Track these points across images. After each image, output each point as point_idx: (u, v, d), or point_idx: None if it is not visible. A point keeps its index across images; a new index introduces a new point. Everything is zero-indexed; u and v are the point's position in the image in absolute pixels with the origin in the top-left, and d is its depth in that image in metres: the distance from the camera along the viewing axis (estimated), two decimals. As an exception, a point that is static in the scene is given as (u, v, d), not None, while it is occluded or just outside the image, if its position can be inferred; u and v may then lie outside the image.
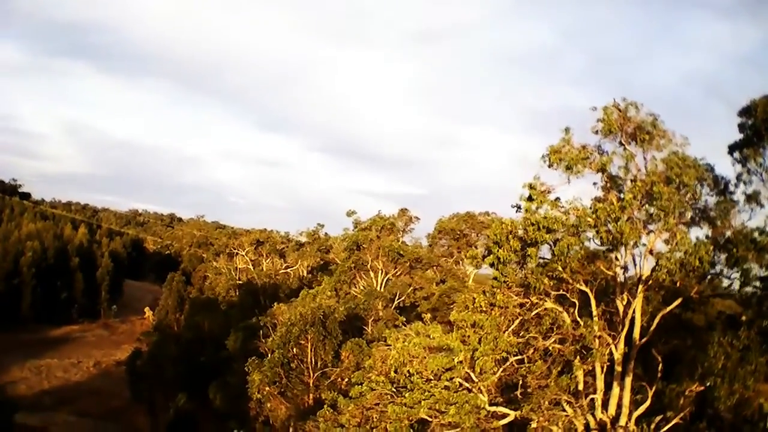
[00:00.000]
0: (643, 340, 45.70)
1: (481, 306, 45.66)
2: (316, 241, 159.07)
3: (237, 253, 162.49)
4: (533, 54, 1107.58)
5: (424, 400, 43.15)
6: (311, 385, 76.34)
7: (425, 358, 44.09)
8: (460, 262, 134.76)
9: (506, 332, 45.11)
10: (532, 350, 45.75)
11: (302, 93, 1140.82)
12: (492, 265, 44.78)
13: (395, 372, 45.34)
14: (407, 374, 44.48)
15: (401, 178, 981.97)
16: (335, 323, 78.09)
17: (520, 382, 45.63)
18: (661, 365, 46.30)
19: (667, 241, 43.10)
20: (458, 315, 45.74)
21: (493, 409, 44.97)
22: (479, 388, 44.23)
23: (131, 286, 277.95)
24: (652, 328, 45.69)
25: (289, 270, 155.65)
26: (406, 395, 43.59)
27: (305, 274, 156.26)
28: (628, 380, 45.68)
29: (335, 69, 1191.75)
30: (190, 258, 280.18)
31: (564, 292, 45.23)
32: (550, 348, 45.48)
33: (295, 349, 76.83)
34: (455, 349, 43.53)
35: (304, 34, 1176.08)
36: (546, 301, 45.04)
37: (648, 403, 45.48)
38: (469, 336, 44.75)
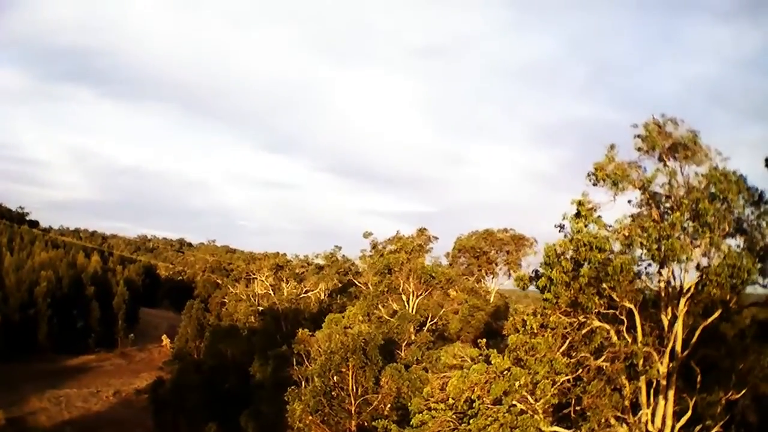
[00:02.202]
0: (685, 353, 45.85)
1: (533, 328, 45.71)
2: (335, 263, 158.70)
3: (255, 279, 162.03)
4: (536, 66, 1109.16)
5: (489, 425, 43.12)
6: (353, 412, 76.10)
7: (486, 383, 44.01)
8: (481, 280, 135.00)
9: (557, 353, 45.14)
10: (583, 369, 45.71)
11: (307, 113, 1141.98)
12: (544, 287, 44.69)
13: (453, 399, 45.38)
14: (468, 401, 44.45)
15: (409, 197, 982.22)
16: (375, 350, 77.94)
17: (573, 401, 45.56)
18: (699, 376, 46.40)
19: (712, 256, 43.17)
20: (515, 339, 45.61)
21: (552, 429, 45.13)
22: (535, 410, 44.30)
23: (146, 313, 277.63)
24: (693, 341, 45.95)
25: (309, 294, 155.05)
26: (471, 422, 43.60)
27: (324, 297, 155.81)
28: (671, 393, 46.41)
29: (339, 88, 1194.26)
30: (204, 284, 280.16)
31: (612, 310, 45.09)
32: (603, 367, 45.26)
33: (335, 377, 76.61)
34: (516, 373, 43.40)
35: (308, 53, 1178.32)
36: (593, 319, 45.08)
37: (689, 413, 45.59)
38: (526, 360, 44.65)
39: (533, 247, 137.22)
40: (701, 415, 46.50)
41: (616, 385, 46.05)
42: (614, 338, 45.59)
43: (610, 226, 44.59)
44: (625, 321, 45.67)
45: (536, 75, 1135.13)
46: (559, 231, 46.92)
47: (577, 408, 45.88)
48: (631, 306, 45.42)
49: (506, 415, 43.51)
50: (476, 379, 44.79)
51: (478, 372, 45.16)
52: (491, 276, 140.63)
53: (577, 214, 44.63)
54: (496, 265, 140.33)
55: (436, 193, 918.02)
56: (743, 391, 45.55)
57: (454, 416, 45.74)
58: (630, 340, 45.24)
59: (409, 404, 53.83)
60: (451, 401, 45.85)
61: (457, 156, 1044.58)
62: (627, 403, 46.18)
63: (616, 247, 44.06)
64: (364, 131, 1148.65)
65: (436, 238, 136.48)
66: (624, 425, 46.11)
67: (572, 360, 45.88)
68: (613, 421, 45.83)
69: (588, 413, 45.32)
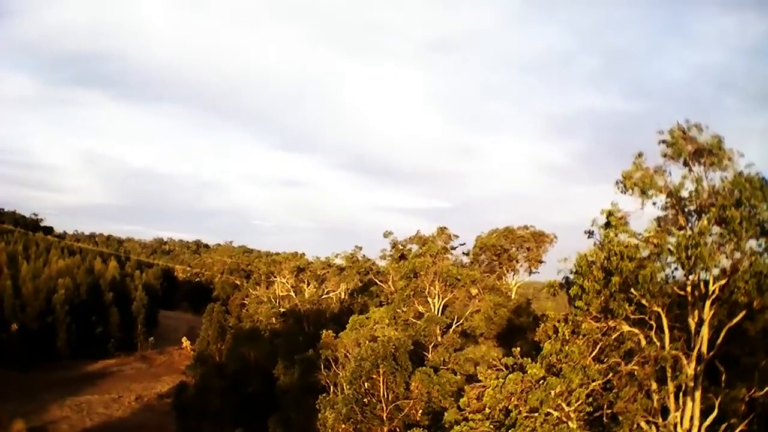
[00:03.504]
0: (710, 353, 46.26)
1: (564, 335, 46.17)
2: (355, 263, 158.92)
3: (276, 281, 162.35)
4: (547, 58, 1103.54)
5: (527, 435, 43.66)
6: (385, 418, 76.44)
7: (523, 393, 44.44)
8: (503, 276, 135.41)
9: (589, 359, 45.58)
10: (614, 374, 46.18)
11: (320, 111, 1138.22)
12: (576, 295, 45.21)
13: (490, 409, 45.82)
14: (504, 410, 44.89)
15: (425, 193, 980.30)
16: (405, 355, 78.34)
17: (605, 406, 45.98)
18: (724, 375, 47.08)
19: (738, 261, 43.55)
20: (549, 347, 46.06)
21: (585, 434, 45.74)
22: (569, 416, 44.71)
23: (165, 316, 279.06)
24: (718, 342, 46.50)
25: (330, 294, 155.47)
26: (510, 432, 44.06)
27: (346, 297, 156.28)
28: (698, 394, 47.20)
29: (351, 84, 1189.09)
30: (222, 285, 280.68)
31: (642, 316, 45.50)
32: (635, 371, 45.67)
33: (366, 384, 76.94)
34: (551, 383, 43.82)
35: (319, 50, 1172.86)
36: (623, 324, 45.51)
37: (715, 412, 46.04)
38: (561, 368, 45.07)
39: (553, 243, 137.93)
40: (725, 412, 46.97)
41: (646, 389, 46.46)
42: (643, 342, 46.10)
43: (639, 234, 45.13)
44: (654, 325, 46.15)
45: (547, 67, 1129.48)
46: (588, 237, 47.62)
47: (608, 411, 46.35)
48: (659, 310, 45.85)
49: (544, 425, 43.97)
50: (512, 389, 45.43)
51: (513, 382, 45.64)
52: (512, 273, 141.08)
53: (607, 224, 45.21)
54: (517, 262, 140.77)
55: (451, 188, 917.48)
56: (766, 389, 45.92)
57: (491, 426, 46.18)
58: (659, 345, 45.76)
59: (445, 413, 54.36)
60: (487, 411, 46.29)
61: (471, 150, 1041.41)
62: (657, 405, 46.62)
63: (645, 253, 44.57)
64: (377, 127, 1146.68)
65: (456, 236, 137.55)
66: (654, 428, 46.59)
67: (603, 366, 46.35)
68: (643, 424, 46.57)
69: (620, 418, 45.78)
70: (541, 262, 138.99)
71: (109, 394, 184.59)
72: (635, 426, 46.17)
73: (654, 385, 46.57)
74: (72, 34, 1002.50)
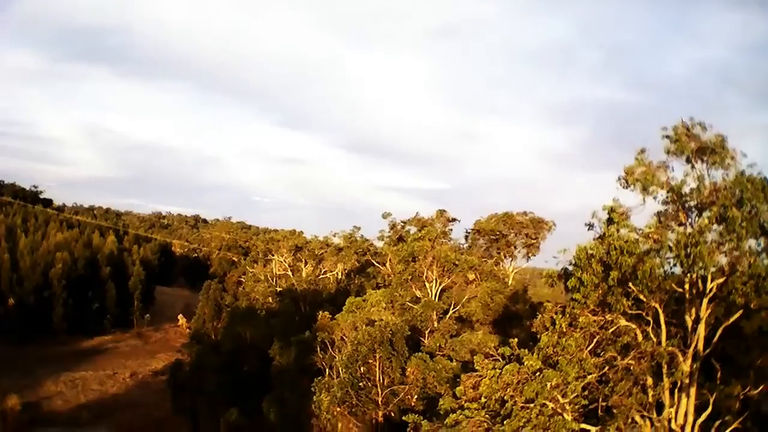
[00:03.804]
0: (707, 351, 46.44)
1: (562, 327, 46.38)
2: (353, 244, 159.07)
3: (274, 259, 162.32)
4: (549, 48, 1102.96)
5: (522, 426, 43.81)
6: (380, 402, 76.67)
7: (519, 384, 44.64)
8: (500, 262, 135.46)
9: (585, 352, 45.80)
10: (611, 368, 46.37)
11: (323, 90, 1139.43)
12: (573, 287, 45.38)
13: (486, 398, 46.05)
14: (500, 400, 45.15)
15: (424, 174, 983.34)
16: (402, 341, 78.54)
17: (600, 399, 46.15)
18: (719, 373, 47.44)
19: (737, 261, 43.71)
20: (546, 339, 46.24)
21: (581, 426, 45.76)
22: (564, 408, 44.89)
23: (162, 292, 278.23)
24: (714, 339, 46.88)
25: (328, 275, 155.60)
26: (506, 423, 44.34)
27: (343, 278, 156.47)
28: (693, 390, 47.68)
29: (354, 67, 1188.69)
30: (219, 261, 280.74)
31: (639, 311, 45.68)
32: (631, 366, 45.77)
33: (362, 368, 77.17)
34: (548, 375, 43.99)
35: (323, 31, 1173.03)
36: (620, 318, 45.68)
37: (710, 409, 46.50)
38: (557, 360, 45.27)
39: (551, 230, 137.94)
40: (720, 409, 47.33)
41: (641, 384, 46.62)
42: (640, 338, 46.33)
43: (639, 230, 45.30)
44: (651, 321, 46.36)
45: (549, 57, 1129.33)
46: (588, 230, 47.79)
47: (603, 404, 46.54)
48: (657, 306, 45.98)
49: (539, 416, 44.17)
50: (509, 380, 45.75)
51: (510, 372, 45.83)
52: (510, 258, 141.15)
53: (609, 221, 45.38)
54: (515, 248, 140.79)
55: (451, 170, 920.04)
56: (761, 387, 46.13)
57: (486, 416, 46.38)
58: (655, 341, 45.98)
59: (441, 400, 54.44)
60: (483, 400, 46.48)
61: (471, 134, 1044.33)
62: (651, 400, 46.79)
63: (645, 248, 44.72)
64: (379, 110, 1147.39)
65: (455, 220, 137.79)
66: (648, 422, 46.81)
67: (600, 359, 46.53)
68: (638, 418, 46.97)
69: (615, 411, 45.98)
70: (538, 248, 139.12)
71: (104, 370, 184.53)
72: (630, 420, 46.38)
73: (650, 381, 46.77)
74: (78, 8, 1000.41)
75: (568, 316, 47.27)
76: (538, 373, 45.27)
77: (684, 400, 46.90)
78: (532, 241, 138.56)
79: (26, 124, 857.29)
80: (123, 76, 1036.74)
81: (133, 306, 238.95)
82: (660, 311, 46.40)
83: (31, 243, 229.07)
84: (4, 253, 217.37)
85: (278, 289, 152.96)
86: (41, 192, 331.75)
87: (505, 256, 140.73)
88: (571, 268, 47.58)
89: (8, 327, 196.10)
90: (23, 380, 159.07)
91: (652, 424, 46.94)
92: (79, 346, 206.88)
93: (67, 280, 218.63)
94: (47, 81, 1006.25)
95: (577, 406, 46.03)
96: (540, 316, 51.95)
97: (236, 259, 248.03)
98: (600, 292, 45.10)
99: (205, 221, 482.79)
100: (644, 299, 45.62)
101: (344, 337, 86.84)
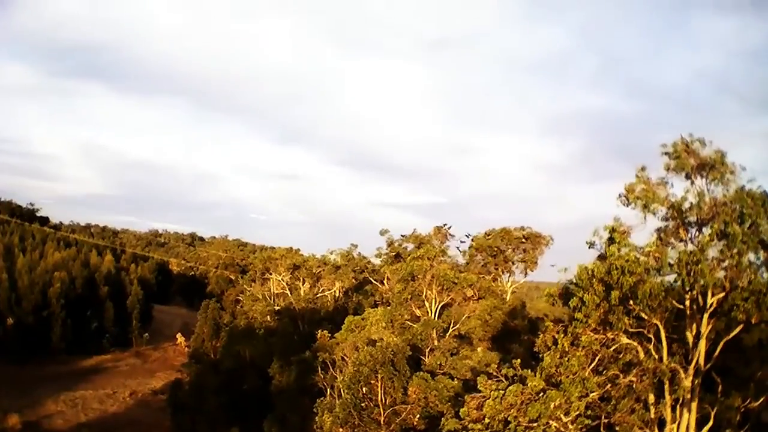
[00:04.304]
0: (707, 365, 46.78)
1: (564, 347, 46.78)
2: (351, 261, 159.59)
3: (272, 277, 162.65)
4: (546, 58, 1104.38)
5: (527, 447, 44.33)
6: (382, 422, 76.98)
7: (522, 405, 45.04)
8: (498, 278, 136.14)
9: (588, 370, 46.20)
10: (613, 386, 46.80)
11: (318, 105, 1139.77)
12: (575, 307, 45.81)
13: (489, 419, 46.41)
14: (504, 421, 45.50)
15: (421, 188, 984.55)
16: (403, 361, 78.92)
17: (602, 417, 46.58)
18: (720, 386, 47.59)
19: (737, 277, 44.18)
20: (549, 359, 46.64)
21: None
22: (566, 425, 45.33)
23: (159, 311, 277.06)
24: (715, 354, 46.79)
25: (326, 293, 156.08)
26: (510, 443, 44.77)
27: (341, 296, 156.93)
28: (694, 405, 48.05)
29: (350, 80, 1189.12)
30: (217, 280, 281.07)
31: (641, 329, 46.08)
32: (633, 383, 46.30)
33: (364, 389, 77.50)
34: (551, 395, 44.38)
35: (317, 46, 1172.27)
36: (622, 336, 46.11)
37: (711, 423, 46.55)
38: (560, 380, 45.65)
39: (549, 245, 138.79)
40: (720, 422, 47.60)
41: (643, 401, 47.07)
42: (641, 355, 46.65)
43: (640, 248, 45.74)
44: (653, 338, 46.75)
45: (547, 67, 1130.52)
46: (589, 248, 48.18)
47: (605, 421, 46.92)
48: (658, 323, 46.40)
49: (542, 436, 44.64)
50: (512, 401, 45.96)
51: (514, 393, 46.17)
52: (507, 274, 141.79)
53: (610, 240, 45.84)
54: (513, 263, 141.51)
55: (447, 184, 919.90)
56: (761, 399, 46.58)
57: (489, 437, 46.82)
58: (657, 357, 46.38)
59: (443, 420, 54.85)
60: (487, 421, 46.82)
61: (468, 147, 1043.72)
62: (654, 417, 47.23)
63: (645, 266, 45.22)
64: (375, 123, 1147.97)
65: (453, 236, 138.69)
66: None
67: (602, 378, 46.93)
68: None
69: (617, 429, 46.40)
70: (536, 263, 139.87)
71: (103, 389, 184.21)
72: None
73: (651, 398, 47.16)
74: (72, 25, 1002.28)
75: (570, 335, 47.65)
76: (541, 394, 45.65)
77: (686, 415, 47.25)
78: (530, 257, 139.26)
79: (21, 141, 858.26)
80: (118, 92, 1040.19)
81: (131, 325, 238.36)
82: (661, 328, 46.75)
83: (29, 262, 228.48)
84: (2, 272, 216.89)
85: (276, 307, 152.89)
86: (38, 210, 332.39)
87: (502, 272, 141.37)
88: (572, 288, 48.02)
89: (7, 347, 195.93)
90: (23, 399, 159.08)
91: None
92: (78, 365, 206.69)
93: (66, 300, 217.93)
94: (41, 96, 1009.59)
95: (580, 426, 46.37)
96: (541, 335, 52.32)
97: (233, 278, 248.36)
98: (601, 311, 45.53)
99: (201, 239, 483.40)
100: (645, 317, 45.90)
101: (345, 357, 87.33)
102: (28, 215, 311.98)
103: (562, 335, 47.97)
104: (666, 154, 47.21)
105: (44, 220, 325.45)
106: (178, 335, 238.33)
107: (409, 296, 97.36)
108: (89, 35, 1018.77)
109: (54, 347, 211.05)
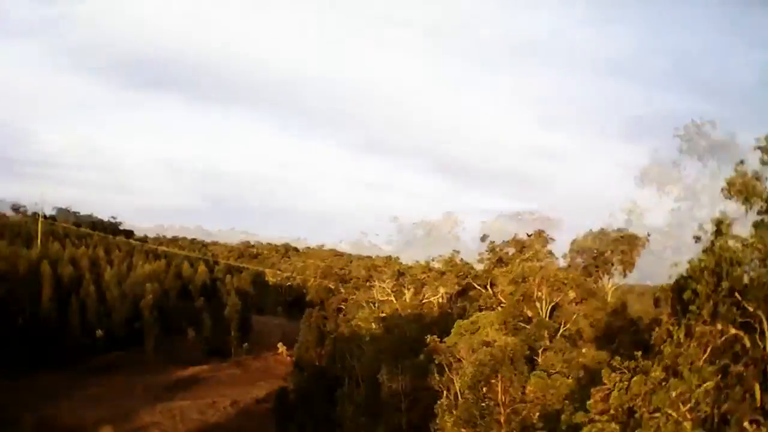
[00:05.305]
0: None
1: (679, 338, 49.92)
2: (454, 267, 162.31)
3: (376, 285, 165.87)
4: (623, 58, 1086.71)
5: (651, 436, 47.64)
6: (503, 421, 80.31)
7: (646, 394, 48.42)
8: (599, 280, 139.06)
9: (701, 360, 49.36)
10: (725, 376, 49.73)
11: (404, 113, 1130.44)
12: (689, 299, 49.02)
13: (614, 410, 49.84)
14: (628, 411, 48.94)
15: (508, 194, 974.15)
16: (521, 360, 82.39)
17: (713, 407, 49.66)
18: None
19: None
20: (669, 350, 49.85)
21: (700, 433, 49.53)
22: (684, 415, 48.50)
23: (258, 321, 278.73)
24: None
25: (431, 299, 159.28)
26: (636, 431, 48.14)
27: (445, 302, 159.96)
28: None
29: (435, 87, 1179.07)
30: (316, 290, 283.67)
31: (747, 319, 49.38)
32: (743, 373, 49.27)
33: (485, 389, 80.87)
34: (673, 384, 47.74)
35: (398, 52, 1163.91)
36: (730, 327, 49.24)
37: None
38: (679, 369, 48.88)
39: (646, 246, 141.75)
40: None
41: (751, 391, 50.10)
42: (748, 345, 49.74)
43: (745, 240, 49.02)
44: (758, 328, 49.79)
45: (625, 67, 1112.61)
46: (696, 242, 51.62)
47: (716, 411, 50.06)
48: (761, 314, 49.44)
49: (667, 424, 47.88)
50: (637, 391, 49.32)
51: (638, 384, 49.61)
52: (607, 276, 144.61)
53: (718, 232, 49.19)
54: (612, 265, 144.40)
55: (533, 188, 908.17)
56: None
57: (616, 426, 50.22)
58: (762, 347, 49.35)
59: (563, 416, 58.39)
60: (612, 412, 50.30)
61: (552, 151, 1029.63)
62: (758, 405, 50.07)
63: (750, 258, 48.61)
64: (463, 129, 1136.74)
65: (553, 239, 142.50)
66: (759, 428, 50.10)
67: (715, 367, 50.05)
68: (747, 425, 49.72)
69: (729, 418, 49.52)
70: (633, 265, 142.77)
71: (203, 399, 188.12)
72: (743, 426, 49.65)
73: (757, 387, 49.95)
74: (147, 37, 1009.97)
75: (683, 326, 50.85)
76: (663, 383, 49.02)
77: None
78: (627, 258, 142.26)
79: (99, 153, 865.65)
80: (198, 103, 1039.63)
81: (229, 335, 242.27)
82: (764, 319, 49.68)
83: (117, 275, 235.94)
84: (89, 285, 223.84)
85: (382, 314, 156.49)
86: (120, 223, 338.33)
87: (602, 274, 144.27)
88: (687, 281, 51.16)
89: (96, 358, 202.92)
90: (118, 411, 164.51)
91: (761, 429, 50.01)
92: (173, 376, 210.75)
93: (159, 311, 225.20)
94: (122, 109, 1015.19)
95: (699, 414, 49.44)
96: (657, 329, 55.27)
97: (333, 287, 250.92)
98: (711, 303, 48.78)
99: (296, 249, 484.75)
100: (751, 308, 49.25)
101: (461, 359, 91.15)
102: (110, 228, 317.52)
103: (677, 327, 51.22)
104: (759, 148, 50.23)
105: (129, 233, 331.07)
106: (280, 344, 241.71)
107: (521, 297, 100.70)
108: (166, 46, 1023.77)
109: (147, 358, 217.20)
